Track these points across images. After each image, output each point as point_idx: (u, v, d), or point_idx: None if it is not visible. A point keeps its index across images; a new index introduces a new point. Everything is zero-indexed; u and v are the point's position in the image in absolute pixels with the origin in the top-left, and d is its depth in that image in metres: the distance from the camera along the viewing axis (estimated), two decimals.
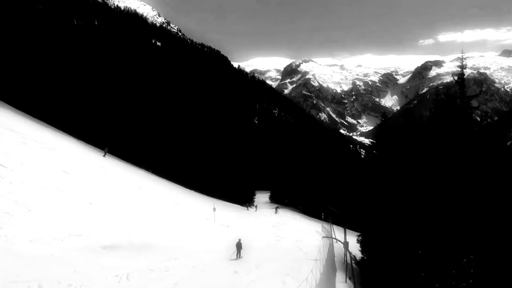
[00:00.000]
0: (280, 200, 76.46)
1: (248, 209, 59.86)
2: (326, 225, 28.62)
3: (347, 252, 30.34)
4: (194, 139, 70.47)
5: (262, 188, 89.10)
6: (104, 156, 43.38)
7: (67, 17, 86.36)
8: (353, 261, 27.28)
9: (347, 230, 35.96)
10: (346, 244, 31.73)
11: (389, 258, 23.36)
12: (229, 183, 67.34)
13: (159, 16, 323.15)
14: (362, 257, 25.86)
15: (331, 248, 24.01)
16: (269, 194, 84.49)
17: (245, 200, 66.44)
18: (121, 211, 25.16)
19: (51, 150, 29.37)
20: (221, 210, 42.15)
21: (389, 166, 25.02)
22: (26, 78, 50.22)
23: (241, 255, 23.28)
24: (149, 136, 61.34)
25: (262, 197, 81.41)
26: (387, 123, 26.39)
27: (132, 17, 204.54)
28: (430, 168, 22.85)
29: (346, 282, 17.72)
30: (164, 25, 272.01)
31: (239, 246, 23.40)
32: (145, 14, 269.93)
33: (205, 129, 77.03)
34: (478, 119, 22.70)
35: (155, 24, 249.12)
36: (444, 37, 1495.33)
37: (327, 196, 48.51)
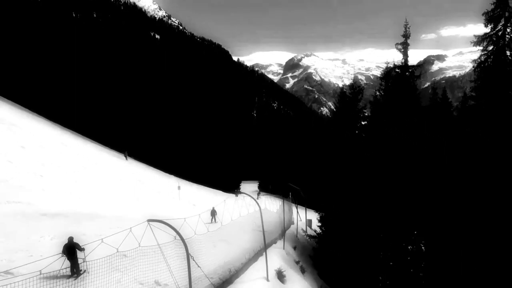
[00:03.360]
0: (266, 187, 77.09)
1: (237, 196, 60.62)
2: (287, 203, 28.78)
3: (306, 227, 30.42)
4: (185, 129, 70.58)
5: (257, 179, 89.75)
6: (126, 159, 45.55)
7: (65, 9, 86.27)
8: (306, 236, 27.26)
9: (314, 210, 35.94)
10: (309, 222, 31.82)
11: (345, 232, 23.42)
12: (216, 171, 67.68)
13: (160, 9, 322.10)
14: (320, 232, 25.93)
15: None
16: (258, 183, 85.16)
17: (231, 187, 66.59)
18: (75, 184, 25.00)
19: (12, 126, 29.35)
20: (191, 190, 42.17)
21: (346, 149, 25.03)
22: (24, 72, 50.36)
23: (216, 220, 26.32)
24: (139, 124, 61.58)
25: (252, 187, 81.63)
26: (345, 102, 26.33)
27: (131, 10, 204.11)
28: (385, 145, 22.68)
29: (284, 248, 17.70)
30: (164, 19, 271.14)
31: (213, 212, 27.11)
32: (145, 7, 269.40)
33: (198, 121, 76.92)
34: None
35: (155, 17, 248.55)
36: (447, 31, 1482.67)
37: (302, 180, 48.57)
